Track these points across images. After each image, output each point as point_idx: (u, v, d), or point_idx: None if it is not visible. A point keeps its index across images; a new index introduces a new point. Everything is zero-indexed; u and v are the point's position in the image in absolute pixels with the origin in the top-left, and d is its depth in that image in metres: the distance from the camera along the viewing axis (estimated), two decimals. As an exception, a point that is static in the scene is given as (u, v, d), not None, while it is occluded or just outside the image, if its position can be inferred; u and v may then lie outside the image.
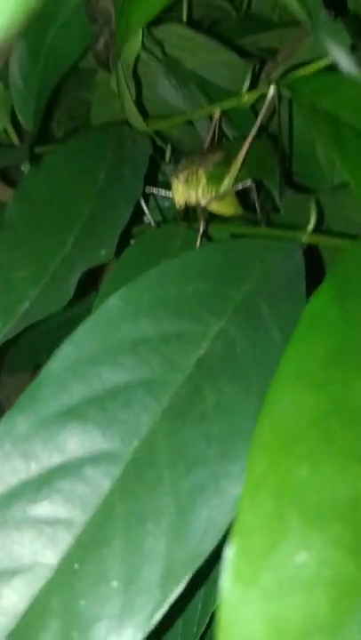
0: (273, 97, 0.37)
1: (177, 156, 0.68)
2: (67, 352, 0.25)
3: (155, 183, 0.39)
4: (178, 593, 0.20)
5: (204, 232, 0.35)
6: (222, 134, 0.45)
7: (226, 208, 0.39)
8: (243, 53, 0.54)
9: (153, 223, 0.38)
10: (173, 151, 0.66)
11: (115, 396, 0.25)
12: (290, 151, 0.43)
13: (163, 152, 0.50)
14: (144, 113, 0.55)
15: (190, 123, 0.53)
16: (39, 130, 0.53)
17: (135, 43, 0.43)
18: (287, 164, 0.44)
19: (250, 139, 0.37)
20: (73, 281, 0.29)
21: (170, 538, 0.21)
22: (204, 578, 0.28)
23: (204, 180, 0.37)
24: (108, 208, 0.35)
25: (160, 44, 0.49)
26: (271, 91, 0.37)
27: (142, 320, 0.27)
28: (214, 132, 0.42)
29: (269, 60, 0.60)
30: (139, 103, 0.50)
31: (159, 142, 0.47)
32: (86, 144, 0.41)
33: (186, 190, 0.36)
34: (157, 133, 0.51)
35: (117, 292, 0.27)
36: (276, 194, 0.44)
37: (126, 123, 0.46)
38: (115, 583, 0.20)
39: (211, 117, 0.46)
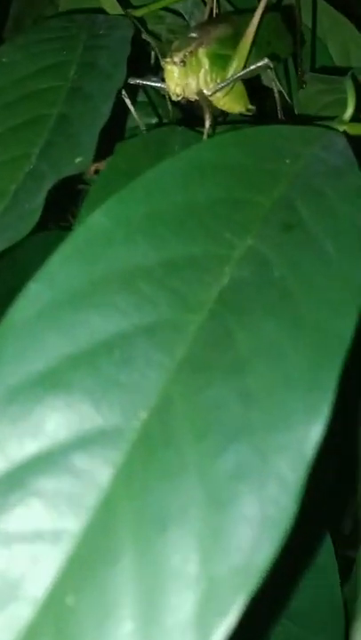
0: None
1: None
2: (37, 293, 0.18)
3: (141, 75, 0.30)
4: (226, 634, 0.13)
5: (211, 129, 0.26)
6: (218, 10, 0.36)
7: (234, 101, 0.31)
8: None
9: (142, 125, 0.30)
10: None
11: (109, 351, 0.17)
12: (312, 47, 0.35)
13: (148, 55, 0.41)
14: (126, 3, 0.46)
15: (183, 17, 0.44)
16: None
17: None
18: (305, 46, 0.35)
19: (261, 7, 0.28)
20: (39, 199, 0.22)
21: (203, 548, 0.15)
22: (281, 606, 0.22)
23: (206, 62, 0.28)
24: (83, 106, 0.26)
25: None
26: None
27: (139, 242, 0.19)
28: (211, 9, 0.33)
29: None
30: None
31: (144, 35, 0.38)
32: (50, 34, 0.32)
33: (184, 75, 0.28)
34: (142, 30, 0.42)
35: (102, 206, 0.19)
36: (294, 86, 0.36)
37: (101, 11, 0.37)
38: (128, 625, 0.14)
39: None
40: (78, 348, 0.17)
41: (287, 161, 0.23)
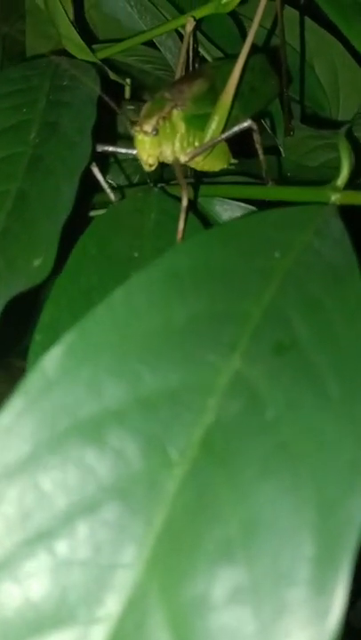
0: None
1: (139, 93, 0.55)
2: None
3: (110, 136, 0.27)
4: None
5: (189, 204, 0.23)
6: (198, 55, 0.33)
7: (214, 161, 0.28)
8: None
9: (112, 196, 0.26)
10: (135, 88, 0.54)
11: (71, 527, 0.14)
12: (301, 71, 0.32)
13: (118, 90, 0.38)
14: (90, 38, 0.42)
15: (154, 47, 0.40)
16: None
17: None
18: (290, 91, 0.32)
19: (243, 56, 0.25)
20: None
21: None
22: None
23: (182, 126, 0.25)
24: (44, 182, 0.23)
25: None
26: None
27: (106, 382, 0.16)
28: (187, 51, 0.30)
29: None
30: (80, 25, 0.37)
31: (113, 76, 0.35)
32: (9, 86, 0.29)
33: (157, 144, 0.24)
34: (111, 66, 0.39)
35: (60, 341, 0.16)
36: (280, 131, 0.33)
37: (66, 53, 0.34)
38: None
39: (181, 34, 0.34)
40: (34, 527, 0.14)
41: (277, 254, 0.20)
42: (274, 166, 0.34)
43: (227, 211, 0.29)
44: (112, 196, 0.26)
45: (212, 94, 0.26)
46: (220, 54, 0.33)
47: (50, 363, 0.16)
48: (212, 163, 0.27)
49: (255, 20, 0.25)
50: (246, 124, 0.25)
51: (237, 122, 0.27)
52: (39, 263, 0.20)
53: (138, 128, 0.24)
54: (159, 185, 0.27)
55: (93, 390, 0.16)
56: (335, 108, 0.46)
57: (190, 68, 0.31)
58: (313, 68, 0.45)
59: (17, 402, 0.15)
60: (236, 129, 0.25)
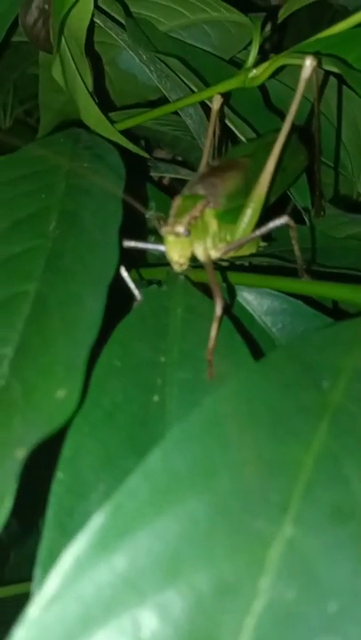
0: (311, 72, 0.23)
1: (155, 148, 0.53)
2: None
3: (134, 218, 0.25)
4: None
5: (226, 308, 0.21)
6: (222, 127, 0.31)
7: (245, 250, 0.26)
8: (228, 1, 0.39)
9: (139, 297, 0.25)
10: (152, 145, 0.52)
11: None
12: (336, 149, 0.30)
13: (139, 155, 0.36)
14: (105, 102, 0.41)
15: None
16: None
17: (85, 6, 0.29)
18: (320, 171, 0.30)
19: (278, 147, 0.23)
20: (13, 468, 0.16)
21: None
22: None
23: (215, 224, 0.23)
24: (64, 288, 0.21)
25: (121, 2, 0.34)
26: (309, 64, 0.23)
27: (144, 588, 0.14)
28: (215, 128, 0.28)
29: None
30: (98, 90, 0.36)
31: (134, 149, 0.33)
32: (26, 168, 0.27)
33: (188, 244, 0.23)
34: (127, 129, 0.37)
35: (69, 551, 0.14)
36: (305, 199, 0.31)
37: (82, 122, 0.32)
38: None
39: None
40: None
41: (325, 384, 0.18)
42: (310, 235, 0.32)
43: (256, 299, 0.27)
44: (139, 296, 0.24)
45: (246, 186, 0.24)
46: (245, 126, 0.31)
47: (78, 549, 0.14)
48: (243, 251, 0.26)
49: (291, 109, 0.23)
50: (283, 220, 0.23)
51: (267, 205, 0.25)
52: (63, 395, 0.18)
53: (168, 228, 0.22)
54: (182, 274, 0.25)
55: (130, 584, 0.14)
56: (357, 167, 0.45)
57: (216, 143, 0.29)
58: (333, 124, 0.43)
59: (47, 592, 0.13)
60: (271, 225, 0.23)
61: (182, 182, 0.54)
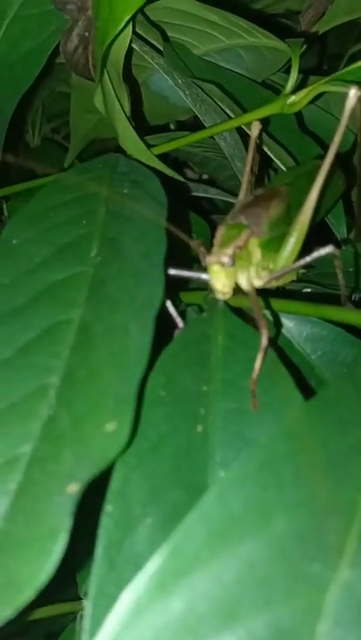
0: (356, 102, 0.23)
1: (185, 169, 0.54)
2: None
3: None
4: None
5: (271, 338, 0.21)
6: (260, 152, 0.31)
7: (286, 278, 0.26)
8: (255, 22, 0.39)
9: (181, 324, 0.25)
10: (181, 164, 0.52)
11: None
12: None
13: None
14: (141, 125, 0.41)
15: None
16: (6, 138, 0.39)
17: (125, 35, 0.29)
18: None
19: (322, 175, 0.23)
20: (67, 504, 0.16)
21: None
22: None
23: (259, 253, 0.23)
24: (108, 318, 0.21)
25: (157, 27, 0.35)
26: (353, 94, 0.23)
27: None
28: (253, 155, 0.28)
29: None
30: (134, 114, 0.36)
31: (170, 172, 0.33)
32: (65, 195, 0.27)
33: (232, 274, 0.22)
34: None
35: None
36: (340, 223, 0.31)
37: (116, 143, 0.32)
38: None
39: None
40: None
41: (377, 422, 0.18)
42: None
43: (295, 325, 0.27)
44: (181, 324, 0.24)
45: (288, 215, 0.24)
46: (283, 152, 0.31)
47: (136, 591, 0.14)
48: (284, 279, 0.25)
49: (335, 139, 0.23)
50: (329, 249, 0.23)
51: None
52: (113, 428, 0.18)
53: (213, 259, 0.22)
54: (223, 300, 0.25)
55: (188, 628, 0.13)
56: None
57: (254, 169, 0.29)
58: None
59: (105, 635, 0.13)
60: (316, 255, 0.23)
61: (208, 200, 0.54)
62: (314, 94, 0.27)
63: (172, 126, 0.49)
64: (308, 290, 0.28)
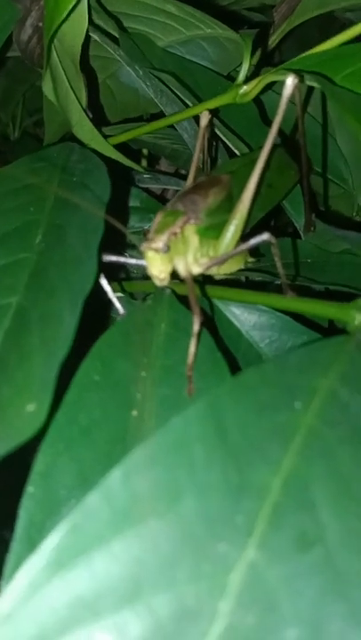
0: (293, 90, 0.23)
1: (155, 162, 0.54)
2: None
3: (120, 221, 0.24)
4: None
5: (205, 323, 0.21)
6: (214, 143, 0.31)
7: (231, 266, 0.26)
8: (225, 17, 0.39)
9: (122, 310, 0.25)
10: (151, 158, 0.52)
11: None
12: (323, 162, 0.30)
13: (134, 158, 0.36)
14: (99, 116, 0.41)
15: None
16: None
17: (79, 22, 0.29)
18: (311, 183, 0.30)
19: (261, 161, 0.23)
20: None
21: None
22: None
23: (195, 240, 0.24)
24: (45, 303, 0.22)
25: (116, 19, 0.35)
26: (290, 82, 0.23)
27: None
28: (202, 143, 0.28)
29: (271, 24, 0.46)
30: (91, 105, 0.36)
31: (127, 162, 0.33)
32: (17, 183, 0.27)
33: (168, 260, 0.23)
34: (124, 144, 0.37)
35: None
36: (300, 226, 0.31)
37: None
38: None
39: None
40: None
41: (297, 405, 0.18)
42: (292, 249, 0.32)
43: (243, 313, 0.27)
44: (121, 310, 0.24)
45: (229, 202, 0.24)
46: (238, 142, 0.31)
47: (33, 568, 0.14)
48: (229, 267, 0.26)
49: (272, 128, 0.23)
50: (265, 236, 0.23)
51: (255, 221, 0.25)
52: (33, 409, 0.18)
53: (148, 245, 0.22)
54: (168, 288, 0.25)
55: (85, 605, 0.14)
56: (357, 180, 0.44)
57: (207, 157, 0.29)
58: (335, 138, 0.43)
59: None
60: (253, 242, 0.23)
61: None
62: (263, 84, 0.27)
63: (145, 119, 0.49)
64: (259, 279, 0.28)
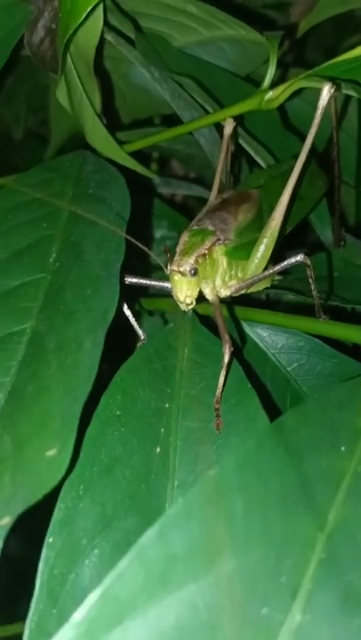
0: (329, 99, 0.21)
1: (168, 166, 0.52)
2: None
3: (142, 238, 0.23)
4: None
5: (234, 353, 0.20)
6: (238, 151, 0.30)
7: (258, 286, 0.24)
8: (243, 13, 0.38)
9: (143, 336, 0.23)
10: (164, 161, 0.51)
11: None
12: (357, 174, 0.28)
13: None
14: (114, 121, 0.39)
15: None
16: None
17: (94, 25, 0.27)
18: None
19: (293, 179, 0.22)
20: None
21: None
22: None
23: (224, 261, 0.22)
24: (63, 331, 0.20)
25: (132, 19, 0.33)
26: (326, 91, 0.21)
27: None
28: (227, 152, 0.27)
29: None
30: (106, 110, 0.34)
31: (142, 170, 0.31)
32: (28, 195, 0.26)
33: (195, 284, 0.21)
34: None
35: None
36: (325, 239, 0.29)
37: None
38: None
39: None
40: None
41: (343, 449, 0.16)
42: (321, 263, 0.30)
43: (270, 335, 0.26)
44: (143, 336, 0.23)
45: (259, 220, 0.23)
46: (262, 150, 0.30)
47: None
48: (256, 287, 0.24)
49: (307, 140, 0.21)
50: (299, 258, 0.21)
51: (282, 235, 0.23)
52: (54, 454, 0.16)
53: (174, 267, 0.20)
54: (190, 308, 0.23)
55: None
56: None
57: (229, 169, 0.27)
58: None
59: None
60: (286, 264, 0.22)
61: (195, 199, 0.52)
62: (292, 90, 0.25)
63: (157, 120, 0.48)
64: (287, 298, 0.26)
